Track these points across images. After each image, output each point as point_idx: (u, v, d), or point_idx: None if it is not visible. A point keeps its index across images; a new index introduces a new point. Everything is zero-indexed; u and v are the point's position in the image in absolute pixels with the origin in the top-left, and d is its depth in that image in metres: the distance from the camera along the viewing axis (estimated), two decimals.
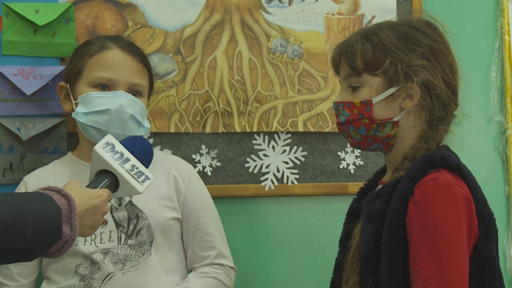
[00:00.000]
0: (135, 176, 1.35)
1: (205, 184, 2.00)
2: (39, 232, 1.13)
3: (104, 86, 1.67)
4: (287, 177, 2.08)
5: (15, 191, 1.76)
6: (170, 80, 2.00)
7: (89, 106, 1.65)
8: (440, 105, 1.41)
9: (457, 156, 1.42)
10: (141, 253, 1.67)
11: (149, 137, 1.98)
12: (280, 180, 2.08)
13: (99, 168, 1.35)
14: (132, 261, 1.66)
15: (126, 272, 1.65)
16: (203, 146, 2.02)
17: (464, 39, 1.46)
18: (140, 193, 1.36)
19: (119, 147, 1.37)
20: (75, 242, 1.61)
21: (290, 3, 2.10)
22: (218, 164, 2.04)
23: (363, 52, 1.41)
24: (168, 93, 2.00)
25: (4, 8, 1.82)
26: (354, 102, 1.42)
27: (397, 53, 1.39)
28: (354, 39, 1.44)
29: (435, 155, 1.35)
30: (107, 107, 1.64)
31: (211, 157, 2.03)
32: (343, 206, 2.13)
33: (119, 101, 1.64)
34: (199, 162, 2.02)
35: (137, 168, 1.36)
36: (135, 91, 1.70)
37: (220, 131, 2.03)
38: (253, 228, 2.09)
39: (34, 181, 1.73)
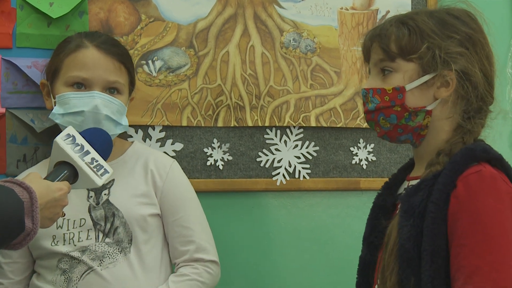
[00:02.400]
0: (95, 170, 1.36)
1: (217, 178, 2.00)
2: (1, 225, 1.14)
3: (80, 85, 1.67)
4: (299, 172, 2.08)
5: None
6: (183, 74, 2.00)
7: (65, 107, 1.66)
8: (477, 95, 1.35)
9: (496, 151, 1.36)
10: (119, 251, 1.68)
11: (160, 131, 1.98)
12: (291, 175, 2.07)
13: (59, 159, 1.36)
14: (110, 258, 1.67)
15: (104, 268, 1.66)
16: (215, 140, 2.02)
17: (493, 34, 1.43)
18: (99, 186, 1.37)
19: (80, 139, 1.38)
20: (55, 243, 1.66)
21: None
22: (230, 158, 2.03)
23: (399, 36, 1.35)
24: (180, 86, 2.00)
25: (19, 0, 1.83)
26: (386, 89, 1.36)
27: (435, 39, 1.33)
28: (389, 23, 1.38)
29: (476, 147, 1.30)
30: (81, 108, 1.64)
31: (223, 151, 2.03)
32: (355, 201, 2.14)
33: (94, 102, 1.64)
34: (210, 156, 2.02)
35: (96, 161, 1.37)
36: (112, 88, 1.69)
37: (232, 125, 2.03)
38: (264, 223, 2.09)
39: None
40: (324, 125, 2.09)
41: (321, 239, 2.13)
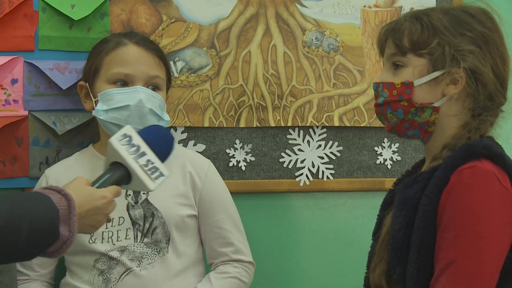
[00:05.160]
0: (149, 172, 1.30)
1: (239, 179, 1.99)
2: (35, 233, 1.13)
3: (123, 82, 1.68)
4: (322, 172, 2.05)
5: (36, 185, 1.79)
6: (204, 74, 1.99)
7: (108, 103, 1.66)
8: (486, 94, 1.34)
9: (502, 147, 1.35)
10: (157, 251, 1.69)
11: (182, 132, 1.97)
12: (315, 176, 2.05)
13: (113, 160, 1.32)
14: (148, 259, 1.67)
15: (143, 269, 1.66)
16: (237, 141, 2.01)
17: (510, 37, 1.40)
18: (151, 190, 1.32)
19: (137, 140, 1.33)
20: (93, 240, 1.64)
21: None
22: (253, 159, 2.02)
23: (411, 31, 1.36)
24: (202, 87, 1.99)
25: (41, 3, 1.84)
26: (395, 83, 1.37)
27: (446, 35, 1.33)
28: (403, 19, 1.39)
29: (477, 144, 1.29)
30: (126, 103, 1.64)
31: (245, 152, 2.01)
32: (379, 202, 2.09)
33: (138, 96, 1.64)
34: (233, 156, 2.00)
35: (152, 163, 1.31)
36: (153, 85, 1.70)
37: (254, 125, 2.01)
38: (288, 224, 2.07)
39: (55, 174, 1.75)
40: (348, 124, 2.07)
41: (346, 240, 2.10)
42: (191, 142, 1.97)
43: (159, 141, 1.38)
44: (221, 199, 1.78)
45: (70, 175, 1.65)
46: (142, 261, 1.67)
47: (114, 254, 1.66)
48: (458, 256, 1.20)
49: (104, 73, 1.69)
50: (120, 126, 1.63)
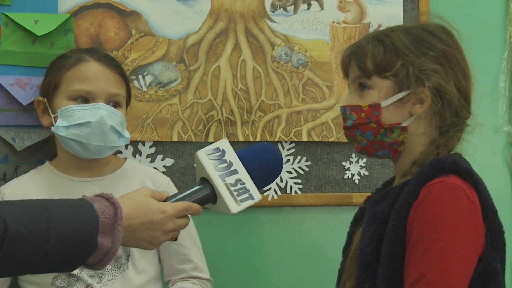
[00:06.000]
0: (235, 193, 1.19)
1: None
2: (66, 243, 1.05)
3: (84, 98, 1.65)
4: (291, 187, 2.06)
5: None
6: (173, 89, 1.99)
7: (69, 119, 1.63)
8: (452, 111, 1.36)
9: (469, 163, 1.36)
10: (118, 267, 1.67)
11: (151, 146, 1.96)
12: (283, 190, 2.06)
13: (201, 175, 1.22)
14: (109, 275, 1.66)
15: (104, 285, 1.65)
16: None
17: (471, 49, 1.42)
18: (232, 213, 1.19)
19: (230, 156, 1.22)
20: None
21: (295, 11, 2.08)
22: None
23: (374, 54, 1.37)
24: (171, 101, 1.98)
25: (4, 17, 1.80)
26: (362, 106, 1.38)
27: (409, 56, 1.35)
28: (365, 41, 1.40)
29: (446, 160, 1.30)
30: (87, 119, 1.62)
31: None
32: (347, 216, 2.10)
33: (99, 113, 1.62)
34: None
35: (242, 183, 1.19)
36: (114, 102, 1.68)
37: None
38: (256, 239, 2.07)
39: (11, 191, 1.70)
40: (316, 139, 2.08)
41: (314, 254, 2.11)
42: (159, 157, 1.96)
43: (261, 163, 1.27)
44: None
45: (27, 192, 1.65)
46: (103, 277, 1.65)
47: (74, 271, 1.64)
48: (427, 270, 1.20)
49: (64, 89, 1.66)
50: (80, 143, 1.62)
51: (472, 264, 1.25)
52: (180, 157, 1.99)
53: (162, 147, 1.97)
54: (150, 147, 1.96)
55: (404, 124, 1.37)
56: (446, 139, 1.36)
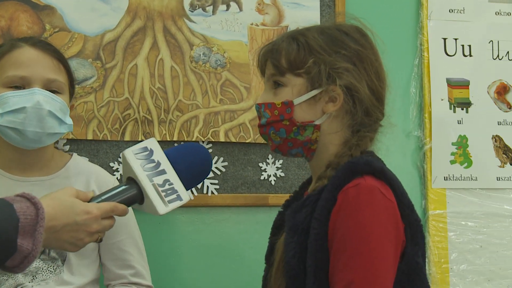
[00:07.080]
0: (163, 194, 1.17)
1: None
2: None
3: (19, 86, 1.57)
4: (207, 187, 2.06)
5: None
6: (89, 86, 1.95)
7: (3, 106, 1.55)
8: (363, 110, 1.37)
9: (382, 161, 1.38)
10: (53, 269, 1.61)
11: (65, 144, 1.91)
12: (199, 190, 2.05)
13: (128, 174, 1.18)
14: (43, 275, 1.60)
15: (36, 284, 1.59)
16: (121, 155, 1.97)
17: (384, 55, 1.46)
18: (160, 214, 1.17)
19: (158, 156, 1.19)
20: None
21: (214, 12, 2.08)
22: None
23: (288, 51, 1.37)
24: (86, 99, 1.94)
25: None
26: (275, 103, 1.38)
27: (322, 54, 1.36)
28: (281, 39, 1.41)
29: (358, 161, 1.30)
30: (22, 105, 1.53)
31: None
32: (263, 217, 2.14)
33: (35, 98, 1.54)
34: (117, 170, 1.97)
35: (170, 184, 1.17)
36: (52, 89, 1.59)
37: (139, 139, 1.99)
38: (171, 239, 2.05)
39: None
40: (233, 140, 2.09)
41: (230, 255, 2.11)
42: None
43: (189, 163, 1.24)
44: (123, 220, 1.71)
45: None
46: (36, 276, 1.58)
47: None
48: (355, 276, 1.20)
49: None
50: (16, 130, 1.54)
51: (396, 262, 1.27)
52: (95, 156, 1.95)
53: (76, 145, 1.93)
54: (64, 145, 1.91)
55: (317, 122, 1.38)
56: (357, 138, 1.37)
